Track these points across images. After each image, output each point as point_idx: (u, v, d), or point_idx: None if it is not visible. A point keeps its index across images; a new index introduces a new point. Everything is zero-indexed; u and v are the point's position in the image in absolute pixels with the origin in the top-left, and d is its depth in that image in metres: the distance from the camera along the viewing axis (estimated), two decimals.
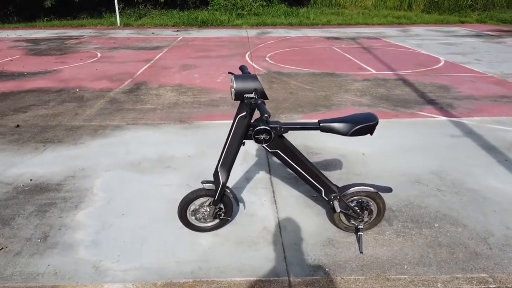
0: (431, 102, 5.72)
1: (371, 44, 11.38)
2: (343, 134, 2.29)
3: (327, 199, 2.53)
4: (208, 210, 2.58)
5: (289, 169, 2.49)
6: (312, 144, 4.17)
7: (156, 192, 3.20)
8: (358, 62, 8.64)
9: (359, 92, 6.18)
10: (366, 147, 4.06)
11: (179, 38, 12.41)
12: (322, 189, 2.50)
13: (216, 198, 2.49)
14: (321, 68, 8.01)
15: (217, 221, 2.66)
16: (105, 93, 6.11)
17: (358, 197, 2.55)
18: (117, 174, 3.49)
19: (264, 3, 18.45)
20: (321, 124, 2.32)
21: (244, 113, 2.27)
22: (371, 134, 2.34)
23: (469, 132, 4.51)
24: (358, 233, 2.56)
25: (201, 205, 2.58)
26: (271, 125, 2.32)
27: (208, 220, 2.63)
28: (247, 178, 3.44)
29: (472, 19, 18.46)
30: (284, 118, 4.96)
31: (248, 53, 9.81)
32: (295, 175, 2.51)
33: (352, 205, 2.54)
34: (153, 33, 13.71)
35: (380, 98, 5.89)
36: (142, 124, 4.77)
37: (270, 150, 2.40)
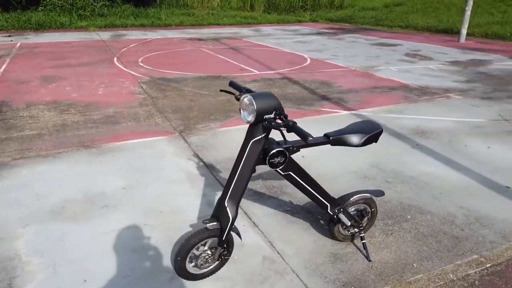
0: (324, 98, 6.11)
1: (235, 44, 11.61)
2: (354, 145, 2.20)
3: (332, 213, 2.41)
4: (210, 252, 2.18)
5: (299, 190, 2.27)
6: None
7: (111, 242, 2.57)
8: (236, 63, 8.70)
9: None
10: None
11: (17, 45, 10.43)
12: (328, 204, 2.38)
13: (224, 238, 2.11)
14: (204, 71, 7.77)
15: (216, 263, 2.27)
16: None
17: (357, 205, 2.51)
18: (42, 229, 2.68)
19: (107, 3, 17.03)
20: (331, 138, 2.18)
21: (260, 137, 1.97)
22: (376, 142, 2.32)
23: None
24: (362, 241, 2.53)
25: (199, 249, 2.16)
26: (284, 146, 2.07)
27: (208, 264, 2.23)
28: (208, 203, 3.06)
29: (306, 18, 20.64)
30: (202, 129, 4.62)
31: (115, 58, 8.88)
32: (304, 194, 2.31)
33: (353, 214, 2.49)
34: None
35: (279, 98, 6.01)
36: (34, 156, 3.80)
37: (283, 173, 2.15)
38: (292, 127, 1.80)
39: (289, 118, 1.84)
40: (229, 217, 2.07)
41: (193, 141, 4.24)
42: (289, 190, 3.27)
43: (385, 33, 15.42)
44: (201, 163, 3.73)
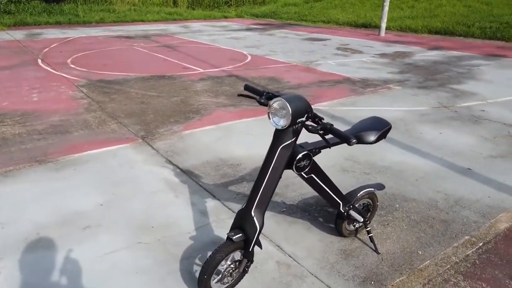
0: (278, 94, 6.13)
1: (168, 41, 11.19)
2: (369, 142, 2.21)
3: (343, 211, 2.41)
4: (233, 266, 2.06)
5: (315, 191, 2.23)
6: (224, 155, 3.85)
7: (109, 266, 2.31)
8: (177, 61, 8.39)
9: (210, 93, 6.03)
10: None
11: None
12: (341, 203, 2.37)
13: (250, 249, 2.00)
14: (145, 71, 7.37)
15: (238, 275, 2.15)
16: None
17: (363, 200, 2.55)
18: (21, 262, 2.32)
19: None
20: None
21: (290, 141, 1.89)
22: (385, 138, 2.36)
23: (332, 117, 5.10)
24: (369, 235, 2.57)
25: (222, 264, 2.03)
26: (308, 149, 2.01)
27: (231, 278, 2.10)
28: (200, 211, 2.90)
29: (232, 14, 20.60)
30: (165, 133, 4.37)
31: (39, 60, 8.05)
32: (319, 194, 2.27)
33: (360, 210, 2.53)
34: None
35: (235, 96, 5.92)
36: None
37: (306, 176, 2.09)
38: (331, 130, 1.75)
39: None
40: (256, 227, 1.96)
41: (161, 147, 4.00)
42: (278, 191, 3.22)
43: (311, 28, 15.97)
44: (178, 170, 3.52)
